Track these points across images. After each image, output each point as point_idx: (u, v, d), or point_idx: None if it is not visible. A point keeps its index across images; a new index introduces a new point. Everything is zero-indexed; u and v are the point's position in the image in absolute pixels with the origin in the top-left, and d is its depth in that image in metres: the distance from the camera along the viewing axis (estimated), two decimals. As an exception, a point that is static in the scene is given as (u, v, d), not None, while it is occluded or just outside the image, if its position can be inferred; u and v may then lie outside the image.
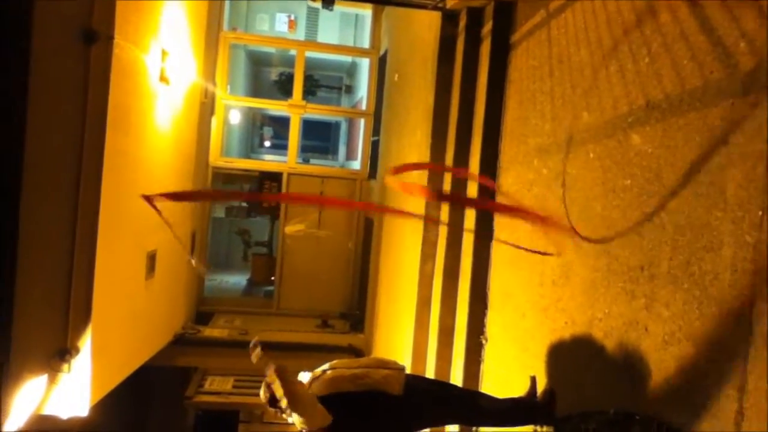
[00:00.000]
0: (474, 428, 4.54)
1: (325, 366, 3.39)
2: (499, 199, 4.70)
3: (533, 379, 3.68)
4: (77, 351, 5.58)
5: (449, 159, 5.49)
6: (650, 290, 2.72)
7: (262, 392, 3.29)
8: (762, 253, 2.12)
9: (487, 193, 4.77)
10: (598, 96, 3.30)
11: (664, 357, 2.59)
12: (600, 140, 3.25)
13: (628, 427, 2.73)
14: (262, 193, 11.54)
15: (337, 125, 20.31)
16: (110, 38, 5.51)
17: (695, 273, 2.43)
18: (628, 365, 2.83)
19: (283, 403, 3.08)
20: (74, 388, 5.63)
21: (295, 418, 3.20)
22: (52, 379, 5.58)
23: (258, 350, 3.07)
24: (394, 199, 7.94)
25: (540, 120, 4.07)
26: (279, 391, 3.04)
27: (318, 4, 13.36)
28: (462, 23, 5.44)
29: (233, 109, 12.64)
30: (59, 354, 5.55)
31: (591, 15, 3.44)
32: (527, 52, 4.40)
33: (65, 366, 5.57)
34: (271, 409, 3.29)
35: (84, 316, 5.55)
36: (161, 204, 2.97)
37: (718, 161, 2.35)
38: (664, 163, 2.69)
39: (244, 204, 14.88)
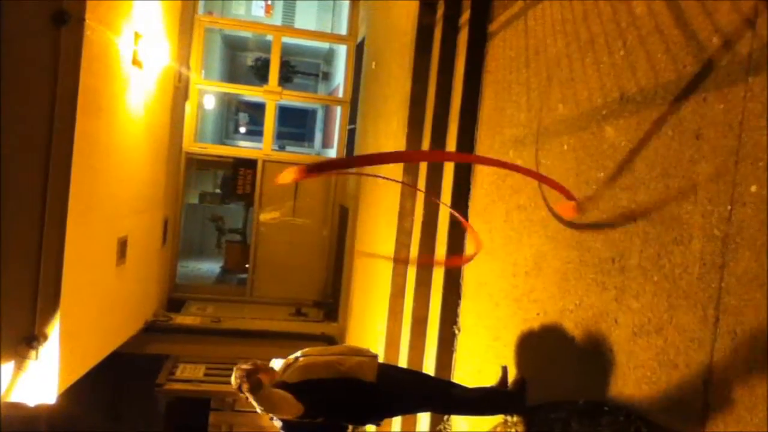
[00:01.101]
0: (445, 417, 4.57)
1: (298, 353, 3.38)
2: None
3: (504, 369, 3.70)
4: (45, 338, 5.49)
5: (425, 147, 5.47)
6: (621, 282, 2.74)
7: (233, 378, 3.27)
8: (729, 247, 2.14)
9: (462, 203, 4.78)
10: (574, 88, 3.31)
11: (633, 348, 2.62)
12: (574, 132, 3.26)
13: (597, 417, 2.76)
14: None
15: (313, 112, 20.20)
16: (81, 20, 5.39)
17: (665, 266, 2.46)
18: (598, 356, 2.86)
19: (259, 410, 3.10)
20: (42, 375, 5.54)
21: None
22: (19, 366, 5.49)
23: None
24: (372, 189, 7.93)
25: (516, 110, 4.08)
26: (256, 406, 3.07)
27: (295, -11, 13.26)
28: (440, 12, 5.41)
29: (208, 94, 12.49)
30: (27, 340, 5.46)
31: (568, 6, 3.44)
32: (504, 42, 4.40)
33: (33, 353, 5.48)
34: (243, 396, 3.28)
35: (52, 303, 5.46)
36: None
37: (690, 155, 2.37)
38: (636, 155, 2.71)
39: (218, 190, 14.75)
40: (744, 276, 2.07)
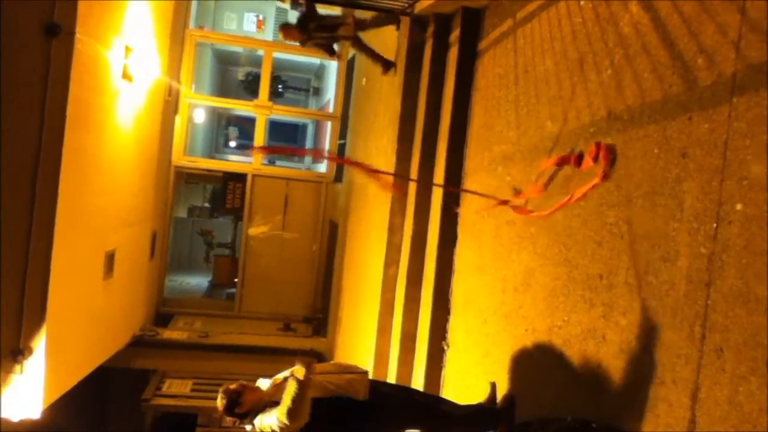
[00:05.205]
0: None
1: (286, 373, 3.36)
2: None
3: (493, 385, 3.70)
4: (30, 352, 5.42)
5: (415, 164, 5.50)
6: (608, 299, 2.76)
7: (218, 400, 3.25)
8: (716, 264, 2.16)
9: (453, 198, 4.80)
10: (562, 106, 3.34)
11: (620, 365, 2.63)
12: (563, 149, 3.29)
13: (585, 434, 2.76)
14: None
15: (303, 127, 20.23)
16: (72, 33, 5.39)
17: (652, 282, 2.48)
18: (586, 372, 2.86)
19: (288, 403, 3.04)
20: (27, 389, 5.47)
21: (264, 425, 3.15)
22: (3, 381, 5.42)
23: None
24: (361, 204, 7.93)
25: (505, 128, 4.11)
26: (292, 390, 3.03)
27: (287, 5, 13.31)
28: (430, 29, 5.46)
29: (198, 108, 12.48)
30: (11, 354, 5.39)
31: (556, 26, 3.48)
32: (494, 60, 4.44)
33: (17, 367, 5.41)
34: (228, 418, 3.25)
35: (38, 316, 5.41)
36: None
37: (676, 173, 2.40)
38: (624, 173, 2.73)
39: (207, 204, 14.71)
40: (730, 293, 2.09)
